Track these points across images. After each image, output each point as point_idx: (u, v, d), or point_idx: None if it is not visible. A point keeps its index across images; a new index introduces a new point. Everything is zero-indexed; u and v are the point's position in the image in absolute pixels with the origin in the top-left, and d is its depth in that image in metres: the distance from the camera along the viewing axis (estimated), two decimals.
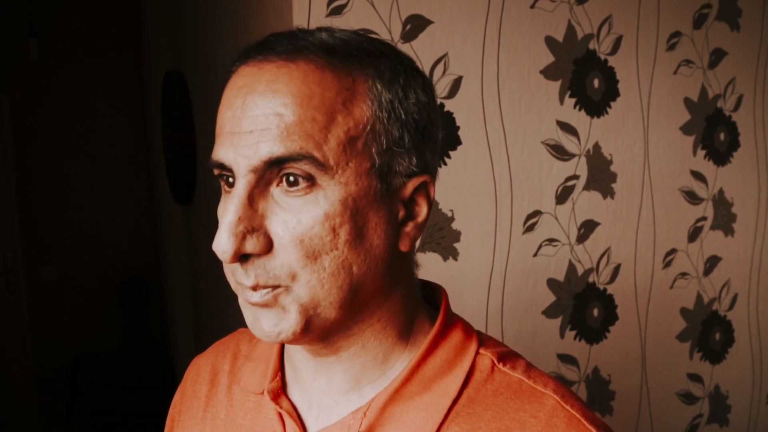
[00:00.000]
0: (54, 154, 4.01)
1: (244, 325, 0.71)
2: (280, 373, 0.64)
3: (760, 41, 1.80)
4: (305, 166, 0.50)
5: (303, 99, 0.51)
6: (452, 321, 0.62)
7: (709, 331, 1.81)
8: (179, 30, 2.64)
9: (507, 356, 0.61)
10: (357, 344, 0.58)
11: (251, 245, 0.51)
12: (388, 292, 0.58)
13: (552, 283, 1.53)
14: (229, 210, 0.51)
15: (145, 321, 4.11)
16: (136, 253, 4.21)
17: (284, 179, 0.51)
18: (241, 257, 0.52)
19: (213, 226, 2.22)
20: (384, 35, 1.28)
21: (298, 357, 0.62)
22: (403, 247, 0.57)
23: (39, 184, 3.99)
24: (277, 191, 0.52)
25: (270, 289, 0.52)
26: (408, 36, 1.30)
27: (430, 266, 1.37)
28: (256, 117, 0.51)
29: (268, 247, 0.52)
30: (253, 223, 0.51)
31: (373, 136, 0.53)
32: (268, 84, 0.51)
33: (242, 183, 0.51)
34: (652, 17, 1.61)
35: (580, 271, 1.56)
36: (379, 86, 0.54)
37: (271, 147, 0.50)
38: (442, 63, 1.34)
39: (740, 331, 1.87)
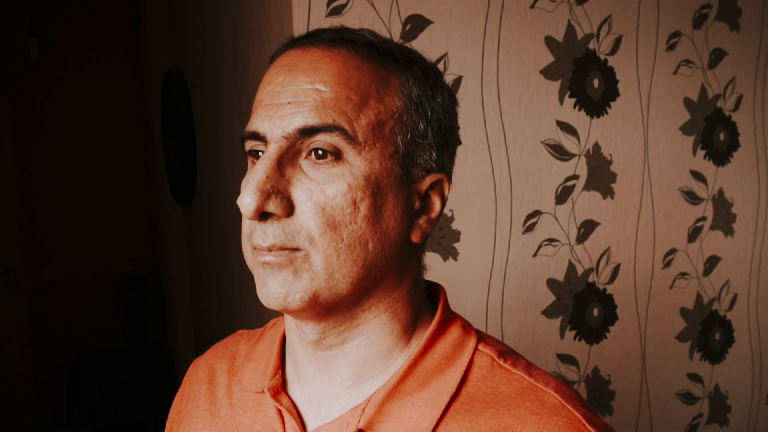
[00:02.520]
0: (54, 154, 4.01)
1: (243, 325, 0.71)
2: (280, 371, 0.65)
3: (760, 41, 1.80)
4: (335, 139, 0.54)
5: (341, 78, 0.55)
6: (450, 318, 0.63)
7: (708, 331, 1.81)
8: (179, 30, 2.65)
9: (507, 354, 0.61)
10: (363, 335, 0.59)
11: (274, 205, 0.53)
12: (398, 281, 0.59)
13: (552, 283, 1.53)
14: (258, 169, 0.53)
15: (145, 321, 4.11)
16: (136, 253, 4.21)
17: (313, 153, 0.54)
18: (262, 216, 0.54)
19: (213, 226, 2.23)
20: (384, 35, 1.28)
21: (300, 352, 0.62)
22: (415, 237, 0.60)
23: (39, 184, 3.99)
24: (305, 162, 0.55)
25: (287, 252, 0.54)
26: (408, 36, 1.30)
27: (430, 266, 1.37)
28: (296, 91, 0.55)
29: (289, 210, 0.54)
30: (279, 185, 0.54)
31: (401, 125, 0.57)
32: (311, 63, 0.55)
33: (274, 147, 0.54)
34: (652, 17, 1.61)
35: (579, 271, 1.56)
36: (410, 82, 0.58)
37: (306, 118, 0.54)
38: (442, 63, 1.34)
39: (740, 331, 1.87)
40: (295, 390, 0.63)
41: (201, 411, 0.69)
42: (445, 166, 0.62)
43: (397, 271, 0.59)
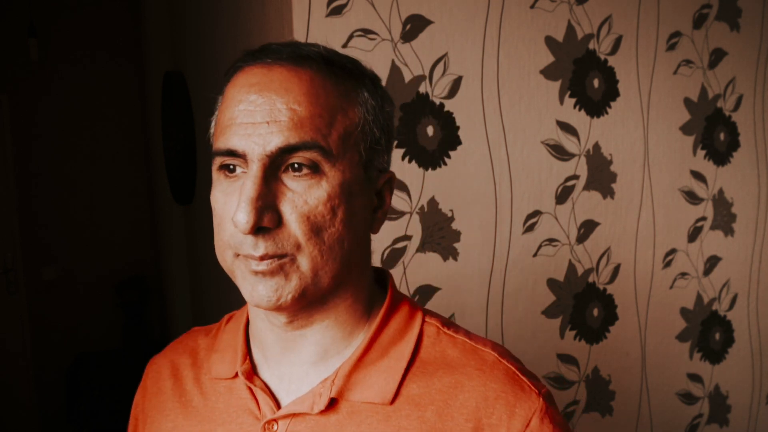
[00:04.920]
0: (54, 154, 4.01)
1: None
2: (248, 357, 0.70)
3: (760, 41, 1.80)
4: (313, 154, 0.59)
5: (311, 98, 0.60)
6: (399, 297, 0.72)
7: (708, 331, 1.81)
8: (179, 30, 2.65)
9: (449, 323, 0.71)
10: (330, 318, 0.66)
11: (267, 219, 0.58)
12: (361, 270, 0.68)
13: (552, 283, 1.53)
14: (249, 187, 0.58)
15: (144, 321, 4.11)
16: (136, 253, 4.21)
17: (290, 167, 0.60)
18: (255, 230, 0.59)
19: (212, 226, 2.22)
20: (384, 35, 1.28)
21: (267, 337, 0.68)
22: (374, 231, 0.68)
23: (39, 184, 3.99)
24: (285, 176, 0.60)
25: (276, 259, 0.60)
26: (408, 36, 1.30)
27: (430, 266, 1.37)
28: (271, 110, 0.59)
29: (278, 222, 0.59)
30: (268, 200, 0.59)
31: (362, 135, 0.63)
32: (281, 83, 0.60)
33: (257, 166, 0.59)
34: (652, 17, 1.61)
35: (579, 271, 1.56)
36: (366, 94, 0.65)
37: (286, 137, 0.58)
38: (442, 63, 1.34)
39: (740, 331, 1.87)
40: (264, 372, 0.69)
41: (170, 404, 0.73)
42: (389, 164, 0.70)
43: (363, 261, 0.68)
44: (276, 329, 0.67)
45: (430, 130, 1.35)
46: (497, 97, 1.42)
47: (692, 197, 1.73)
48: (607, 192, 1.58)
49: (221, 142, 0.61)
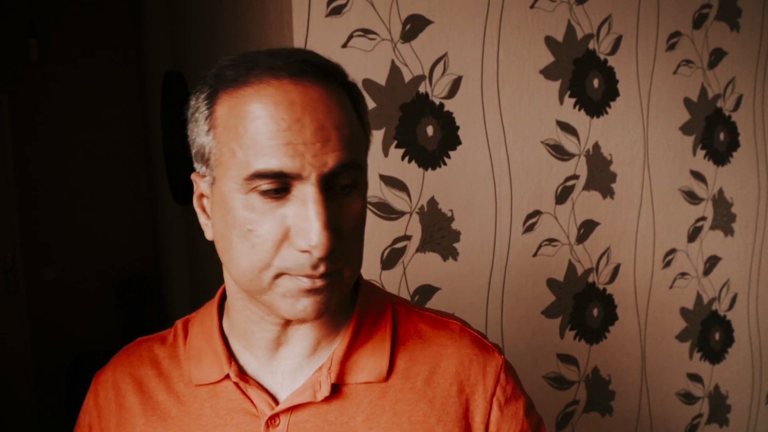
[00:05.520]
0: (54, 154, 4.01)
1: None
2: (232, 359, 0.70)
3: (760, 41, 1.80)
4: (355, 172, 0.62)
5: (345, 117, 0.62)
6: (369, 285, 0.76)
7: (708, 331, 1.81)
8: (179, 30, 2.64)
9: (412, 303, 0.79)
10: (330, 311, 0.68)
11: (336, 240, 0.60)
12: None
13: (552, 283, 1.53)
14: (318, 211, 0.58)
15: (145, 321, 4.11)
16: (136, 253, 4.21)
17: (335, 183, 0.61)
18: None
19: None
20: (384, 35, 1.28)
21: (257, 335, 0.69)
22: None
23: (39, 184, 3.99)
24: (334, 194, 0.61)
25: (330, 275, 0.61)
26: (408, 36, 1.30)
27: (430, 266, 1.37)
28: (321, 130, 0.59)
29: (341, 239, 0.61)
30: (332, 221, 0.60)
31: (366, 143, 0.67)
32: (322, 102, 0.60)
33: (315, 186, 0.59)
34: (652, 17, 1.61)
35: (579, 271, 1.56)
36: (361, 105, 0.67)
37: (338, 156, 0.59)
38: (441, 63, 1.34)
39: (740, 331, 1.87)
40: (254, 370, 0.70)
41: (141, 420, 0.70)
42: None
43: None
44: (274, 327, 0.68)
45: (429, 130, 1.35)
46: (497, 97, 1.42)
47: (692, 197, 1.73)
48: (607, 192, 1.58)
49: (263, 163, 0.58)
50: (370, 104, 1.27)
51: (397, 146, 1.31)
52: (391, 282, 1.33)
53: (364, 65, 1.26)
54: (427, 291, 1.37)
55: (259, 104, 0.59)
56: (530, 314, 1.51)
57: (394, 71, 1.29)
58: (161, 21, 2.96)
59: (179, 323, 0.78)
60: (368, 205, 1.30)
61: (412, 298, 1.35)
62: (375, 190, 1.29)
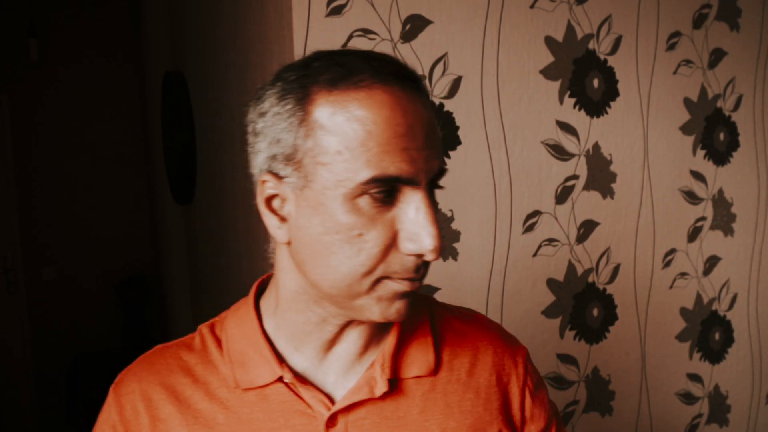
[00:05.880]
0: (54, 154, 4.01)
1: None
2: (281, 361, 0.69)
3: (760, 41, 1.80)
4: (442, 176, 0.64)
5: (437, 126, 0.64)
6: None
7: (708, 331, 1.81)
8: (179, 30, 2.65)
9: (438, 300, 0.82)
10: None
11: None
12: None
13: (552, 283, 1.53)
14: (429, 214, 0.60)
15: (144, 321, 4.11)
16: (136, 253, 4.21)
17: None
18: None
19: (213, 226, 2.22)
20: (384, 35, 1.28)
21: (312, 336, 0.69)
22: None
23: (39, 184, 3.99)
24: (432, 195, 0.63)
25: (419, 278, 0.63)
26: (407, 36, 1.30)
27: (429, 266, 1.37)
28: (429, 136, 0.61)
29: None
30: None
31: None
32: (427, 109, 0.62)
33: (423, 192, 0.60)
34: (652, 17, 1.61)
35: (579, 271, 1.56)
36: None
37: (440, 161, 0.62)
38: (441, 63, 1.34)
39: (740, 331, 1.87)
40: (306, 371, 0.70)
41: (181, 430, 0.68)
42: None
43: None
44: (333, 329, 0.68)
45: None
46: (497, 97, 1.42)
47: (692, 197, 1.73)
48: (607, 192, 1.58)
49: (381, 168, 0.58)
50: None
51: None
52: None
53: None
54: (427, 291, 1.37)
55: (375, 109, 0.58)
56: (530, 314, 1.51)
57: None
58: (161, 21, 2.96)
59: (204, 328, 0.75)
60: None
61: None
62: None
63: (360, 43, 1.26)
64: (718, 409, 1.85)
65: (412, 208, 0.60)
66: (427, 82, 1.33)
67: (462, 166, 1.39)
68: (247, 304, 0.74)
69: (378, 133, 0.58)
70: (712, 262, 1.79)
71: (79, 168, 4.07)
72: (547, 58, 1.46)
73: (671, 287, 1.72)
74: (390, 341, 0.71)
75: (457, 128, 1.38)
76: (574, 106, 1.51)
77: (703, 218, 1.76)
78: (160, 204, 3.57)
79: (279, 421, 0.67)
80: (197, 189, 2.47)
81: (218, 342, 0.73)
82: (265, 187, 0.63)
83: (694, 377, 1.79)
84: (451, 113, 1.37)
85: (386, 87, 0.59)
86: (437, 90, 1.35)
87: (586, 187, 1.55)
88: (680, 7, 1.65)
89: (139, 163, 4.21)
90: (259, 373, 0.69)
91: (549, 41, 1.46)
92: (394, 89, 0.59)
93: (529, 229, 1.48)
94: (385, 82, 0.59)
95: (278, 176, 0.62)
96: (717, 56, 1.72)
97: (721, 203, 1.79)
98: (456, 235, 1.40)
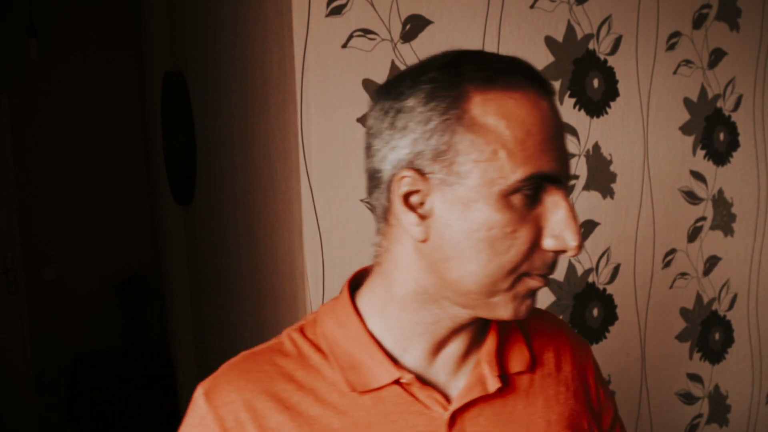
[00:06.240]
0: (54, 154, 4.02)
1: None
2: (393, 362, 0.69)
3: (760, 41, 1.80)
4: None
5: None
6: None
7: (708, 331, 1.81)
8: (179, 30, 2.65)
9: None
10: None
11: None
12: None
13: (552, 283, 1.53)
14: (572, 211, 0.62)
15: (144, 321, 4.12)
16: (136, 253, 4.21)
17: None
18: None
19: (213, 226, 2.22)
20: (384, 35, 1.28)
21: (426, 337, 0.69)
22: None
23: (39, 184, 3.99)
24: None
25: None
26: (408, 36, 1.30)
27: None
28: (564, 139, 0.65)
29: None
30: None
31: None
32: (557, 113, 0.65)
33: (565, 191, 0.63)
34: (652, 17, 1.61)
35: (579, 271, 1.57)
36: None
37: (570, 162, 0.70)
38: None
39: (740, 331, 1.87)
40: (418, 372, 0.70)
41: None
42: None
43: None
44: (445, 330, 0.68)
45: None
46: None
47: (692, 197, 1.73)
48: (607, 192, 1.58)
49: (539, 167, 0.60)
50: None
51: None
52: None
53: (364, 65, 1.26)
54: None
55: (531, 110, 0.61)
56: None
57: (394, 71, 1.29)
58: (161, 21, 2.96)
59: (293, 333, 0.73)
60: (368, 205, 1.30)
61: None
62: None
63: (360, 43, 1.26)
64: (718, 409, 1.85)
65: (556, 206, 0.62)
66: None
67: None
68: (343, 304, 0.72)
69: (535, 133, 0.60)
70: (712, 262, 1.79)
71: (79, 168, 4.07)
72: (547, 58, 1.46)
73: (671, 287, 1.72)
74: (492, 340, 0.72)
75: None
76: (574, 106, 1.51)
77: (703, 218, 1.76)
78: (160, 204, 3.57)
79: (398, 422, 0.67)
80: (197, 189, 2.47)
81: (314, 346, 0.71)
82: (403, 183, 0.63)
83: (694, 377, 1.79)
84: None
85: (536, 89, 0.62)
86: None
87: (586, 187, 1.55)
88: (680, 7, 1.65)
89: (139, 163, 4.21)
90: (374, 376, 0.67)
91: (549, 41, 1.46)
92: (539, 92, 0.62)
93: None
94: (533, 85, 0.62)
95: (421, 173, 0.62)
96: (717, 56, 1.73)
97: (721, 203, 1.79)
98: None
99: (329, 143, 1.24)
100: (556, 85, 1.48)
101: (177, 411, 3.27)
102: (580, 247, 0.62)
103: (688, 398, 1.79)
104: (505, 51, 1.42)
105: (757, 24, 1.79)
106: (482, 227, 0.60)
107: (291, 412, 0.67)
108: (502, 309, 0.64)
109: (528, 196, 0.60)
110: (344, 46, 1.24)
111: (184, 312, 3.03)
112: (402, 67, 1.30)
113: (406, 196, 0.63)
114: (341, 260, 1.27)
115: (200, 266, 2.60)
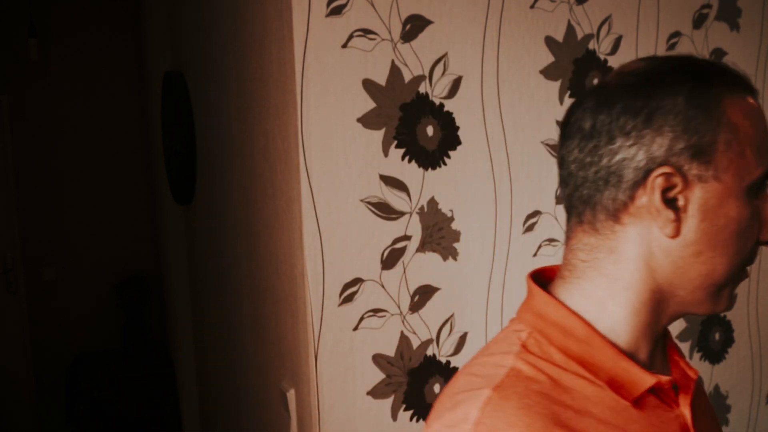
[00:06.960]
0: (54, 154, 4.02)
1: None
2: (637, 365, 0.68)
3: (760, 41, 1.80)
4: None
5: None
6: None
7: (708, 331, 1.81)
8: (179, 30, 2.65)
9: None
10: None
11: None
12: None
13: None
14: None
15: (145, 321, 4.12)
16: (136, 253, 4.21)
17: None
18: None
19: (213, 226, 2.22)
20: (384, 35, 1.28)
21: (650, 337, 0.70)
22: None
23: (39, 184, 3.99)
24: None
25: None
26: (408, 36, 1.31)
27: (429, 266, 1.37)
28: None
29: None
30: None
31: None
32: None
33: None
34: (652, 17, 1.61)
35: None
36: None
37: None
38: (441, 63, 1.34)
39: (740, 331, 1.87)
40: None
41: None
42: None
43: None
44: (659, 327, 0.71)
45: (430, 130, 1.35)
46: (497, 97, 1.42)
47: None
48: None
49: (767, 162, 0.67)
50: (370, 104, 1.28)
51: (397, 146, 1.31)
52: (392, 282, 1.33)
53: (364, 65, 1.26)
54: (427, 291, 1.37)
55: (760, 112, 0.68)
56: None
57: (394, 71, 1.29)
58: (161, 21, 2.96)
59: (523, 355, 0.67)
60: (368, 206, 1.30)
61: (412, 298, 1.36)
62: (375, 190, 1.29)
63: (360, 43, 1.26)
64: (718, 409, 1.85)
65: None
66: (427, 82, 1.33)
67: (462, 166, 1.39)
68: (562, 312, 0.69)
69: (765, 131, 0.67)
70: None
71: (79, 168, 4.07)
72: (548, 58, 1.46)
73: None
74: (667, 336, 0.76)
75: (457, 128, 1.38)
76: None
77: None
78: (160, 204, 3.57)
79: (661, 428, 0.67)
80: (197, 189, 2.47)
81: (551, 363, 0.66)
82: (663, 180, 0.65)
83: None
84: (451, 113, 1.37)
85: (752, 92, 0.69)
86: (437, 90, 1.35)
87: None
88: (680, 7, 1.65)
89: (139, 163, 4.21)
90: (635, 384, 0.66)
91: (549, 41, 1.46)
92: (755, 95, 0.69)
93: (529, 229, 1.48)
94: (751, 88, 0.69)
95: (679, 170, 0.65)
96: (717, 56, 1.73)
97: None
98: (456, 235, 1.40)
99: (329, 143, 1.24)
100: (557, 85, 1.48)
101: (177, 411, 3.27)
102: None
103: None
104: (505, 51, 1.42)
105: (757, 24, 1.79)
106: (734, 221, 0.65)
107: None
108: (725, 301, 0.69)
109: (761, 190, 0.66)
110: (344, 46, 1.24)
111: (184, 312, 3.02)
112: (402, 67, 1.30)
113: (664, 193, 0.66)
114: (341, 260, 1.27)
115: (200, 266, 2.60)
